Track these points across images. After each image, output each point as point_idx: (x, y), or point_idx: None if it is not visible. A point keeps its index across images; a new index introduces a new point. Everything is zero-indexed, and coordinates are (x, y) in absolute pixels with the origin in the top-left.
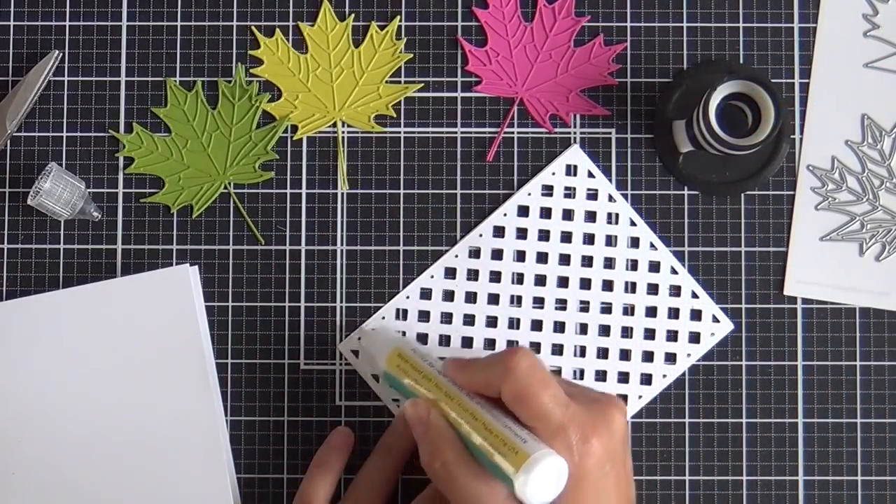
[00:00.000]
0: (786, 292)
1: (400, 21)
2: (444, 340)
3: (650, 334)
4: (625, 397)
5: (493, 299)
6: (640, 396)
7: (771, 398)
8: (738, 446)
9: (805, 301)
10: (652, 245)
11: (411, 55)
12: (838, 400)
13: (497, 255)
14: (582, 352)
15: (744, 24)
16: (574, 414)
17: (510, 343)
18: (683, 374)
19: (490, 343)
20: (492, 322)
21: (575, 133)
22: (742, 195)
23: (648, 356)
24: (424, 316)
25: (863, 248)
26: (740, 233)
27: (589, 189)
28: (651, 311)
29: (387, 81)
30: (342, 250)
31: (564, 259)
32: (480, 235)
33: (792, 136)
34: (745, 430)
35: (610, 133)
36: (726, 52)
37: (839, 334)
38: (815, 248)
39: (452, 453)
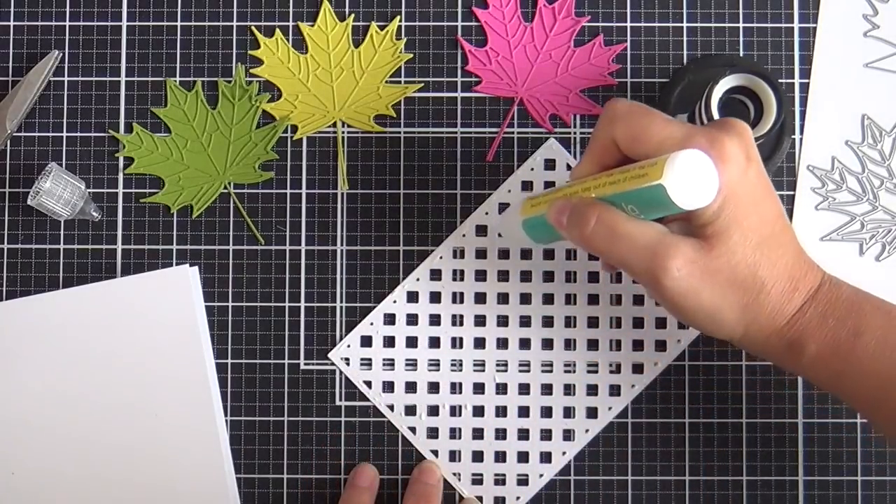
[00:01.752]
0: None
1: (400, 21)
2: (434, 342)
3: (639, 323)
4: (618, 388)
5: (480, 298)
6: (632, 386)
7: (771, 398)
8: (738, 446)
9: None
10: None
11: (411, 55)
12: (838, 399)
13: (481, 254)
14: (573, 344)
15: (744, 24)
16: (692, 127)
17: (499, 339)
18: (683, 374)
19: (479, 342)
20: (480, 321)
21: (575, 133)
22: None
23: (638, 345)
24: (413, 319)
25: (863, 248)
26: None
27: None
28: (638, 300)
29: (387, 81)
30: (342, 250)
31: (548, 254)
32: (464, 235)
33: (792, 136)
34: (745, 430)
35: None
36: (726, 52)
37: None
38: (815, 248)
39: (604, 209)
